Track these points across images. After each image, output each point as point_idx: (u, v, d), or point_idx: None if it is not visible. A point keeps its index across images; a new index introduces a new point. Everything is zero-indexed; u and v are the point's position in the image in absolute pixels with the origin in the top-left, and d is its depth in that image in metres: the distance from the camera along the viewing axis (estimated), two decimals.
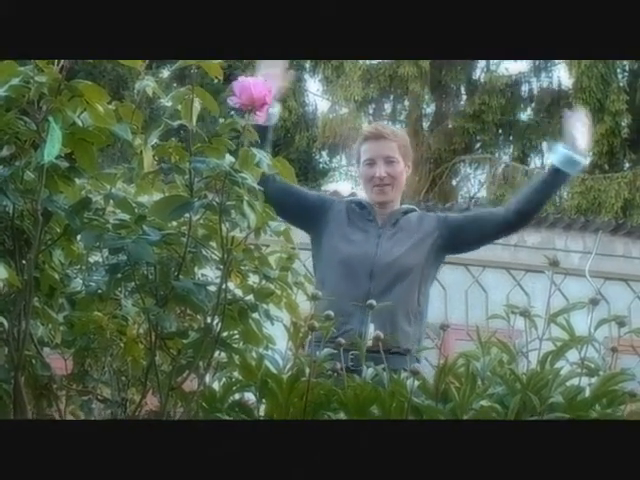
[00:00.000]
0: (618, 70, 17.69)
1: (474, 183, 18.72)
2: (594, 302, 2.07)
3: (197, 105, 2.06)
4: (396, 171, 3.49)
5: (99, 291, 2.16)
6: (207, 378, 2.21)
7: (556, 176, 3.41)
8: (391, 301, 2.73)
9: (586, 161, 3.42)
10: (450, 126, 18.37)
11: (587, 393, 1.96)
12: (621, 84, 17.37)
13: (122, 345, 2.22)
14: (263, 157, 2.04)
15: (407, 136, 3.67)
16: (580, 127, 3.37)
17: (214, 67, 2.03)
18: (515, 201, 3.57)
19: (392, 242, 3.45)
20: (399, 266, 3.38)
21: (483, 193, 18.16)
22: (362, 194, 3.73)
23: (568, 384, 1.94)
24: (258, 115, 2.02)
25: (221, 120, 2.09)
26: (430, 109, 18.83)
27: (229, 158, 2.04)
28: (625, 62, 17.55)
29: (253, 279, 2.16)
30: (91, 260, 2.24)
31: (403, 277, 3.38)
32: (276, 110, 3.33)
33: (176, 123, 2.03)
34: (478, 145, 18.44)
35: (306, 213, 3.49)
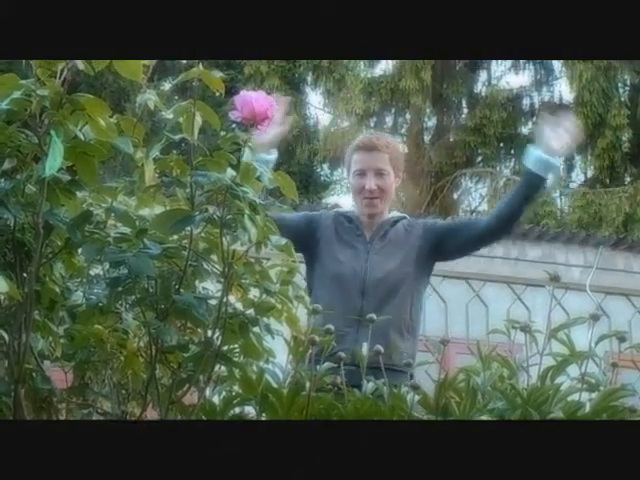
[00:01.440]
0: (619, 84, 17.71)
1: (475, 197, 18.73)
2: (595, 318, 2.07)
3: (199, 119, 2.07)
4: (386, 184, 3.47)
5: (100, 304, 2.16)
6: (207, 392, 2.21)
7: (530, 179, 3.34)
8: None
9: (559, 163, 3.35)
10: (451, 140, 18.37)
11: (587, 408, 1.96)
12: (622, 99, 17.39)
13: (122, 358, 2.21)
14: (264, 171, 2.04)
15: (399, 146, 3.65)
16: (556, 128, 3.32)
17: (215, 81, 2.03)
18: (496, 208, 3.56)
19: (381, 256, 3.44)
20: (390, 281, 3.37)
21: (484, 207, 18.15)
22: None
23: (569, 399, 1.93)
24: (260, 129, 2.02)
25: (222, 133, 2.10)
26: (431, 122, 18.83)
27: (230, 172, 2.04)
28: (626, 76, 17.57)
29: (254, 293, 2.16)
30: (92, 273, 2.24)
31: (395, 292, 3.37)
32: (273, 157, 3.29)
33: (177, 137, 2.03)
34: (479, 159, 18.44)
35: (296, 238, 3.45)
